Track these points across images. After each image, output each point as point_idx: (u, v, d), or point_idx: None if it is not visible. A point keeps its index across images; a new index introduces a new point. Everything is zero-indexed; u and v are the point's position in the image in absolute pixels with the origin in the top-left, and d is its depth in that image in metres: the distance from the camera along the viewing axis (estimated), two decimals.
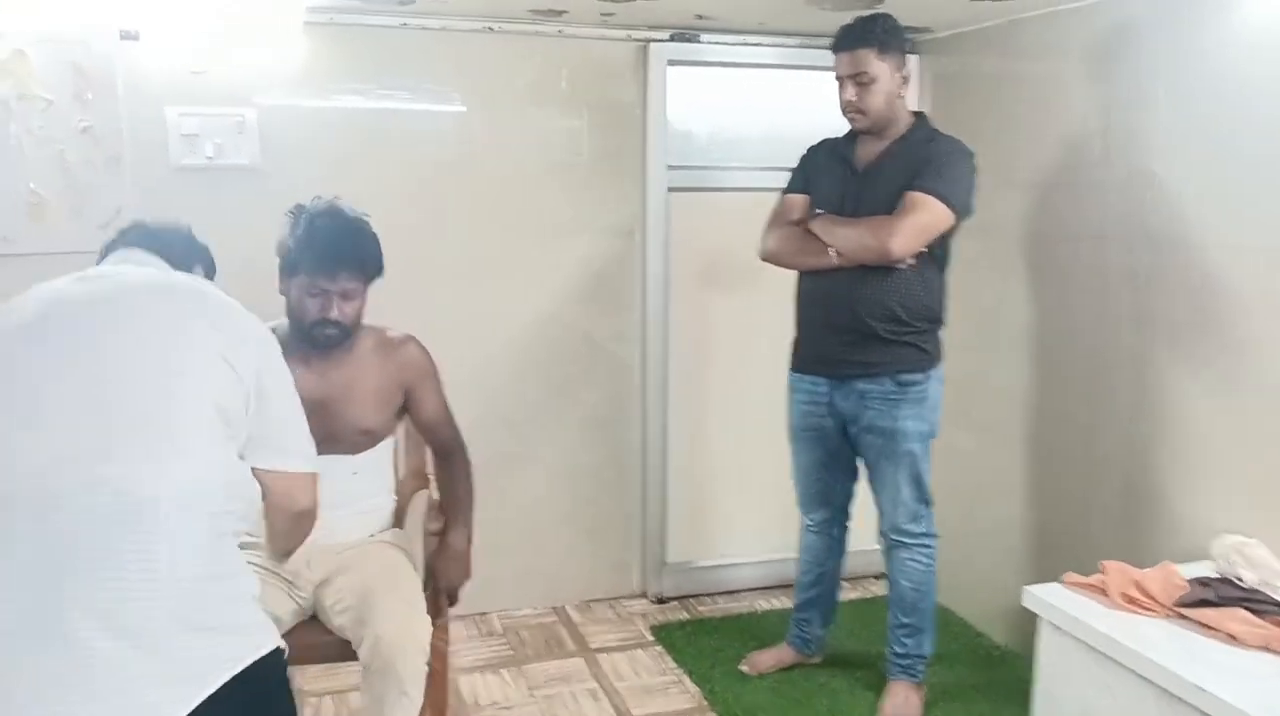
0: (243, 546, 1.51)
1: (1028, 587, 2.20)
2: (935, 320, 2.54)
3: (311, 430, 1.92)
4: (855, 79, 2.42)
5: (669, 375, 3.28)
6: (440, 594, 2.28)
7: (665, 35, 3.13)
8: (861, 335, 2.48)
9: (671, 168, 3.17)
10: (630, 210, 3.21)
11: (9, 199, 2.62)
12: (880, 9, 2.54)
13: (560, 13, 2.87)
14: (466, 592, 3.13)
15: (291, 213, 2.13)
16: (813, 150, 2.66)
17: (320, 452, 1.96)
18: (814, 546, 2.81)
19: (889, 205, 2.41)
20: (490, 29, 2.98)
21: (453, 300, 3.06)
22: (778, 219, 2.61)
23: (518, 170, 3.10)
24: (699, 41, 3.16)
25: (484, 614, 3.26)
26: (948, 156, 2.43)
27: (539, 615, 3.28)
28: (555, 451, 3.28)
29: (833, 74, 2.47)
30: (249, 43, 2.78)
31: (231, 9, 2.72)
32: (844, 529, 2.81)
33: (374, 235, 2.16)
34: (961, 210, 2.41)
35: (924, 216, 2.37)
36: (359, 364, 2.21)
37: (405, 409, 2.32)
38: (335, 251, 2.07)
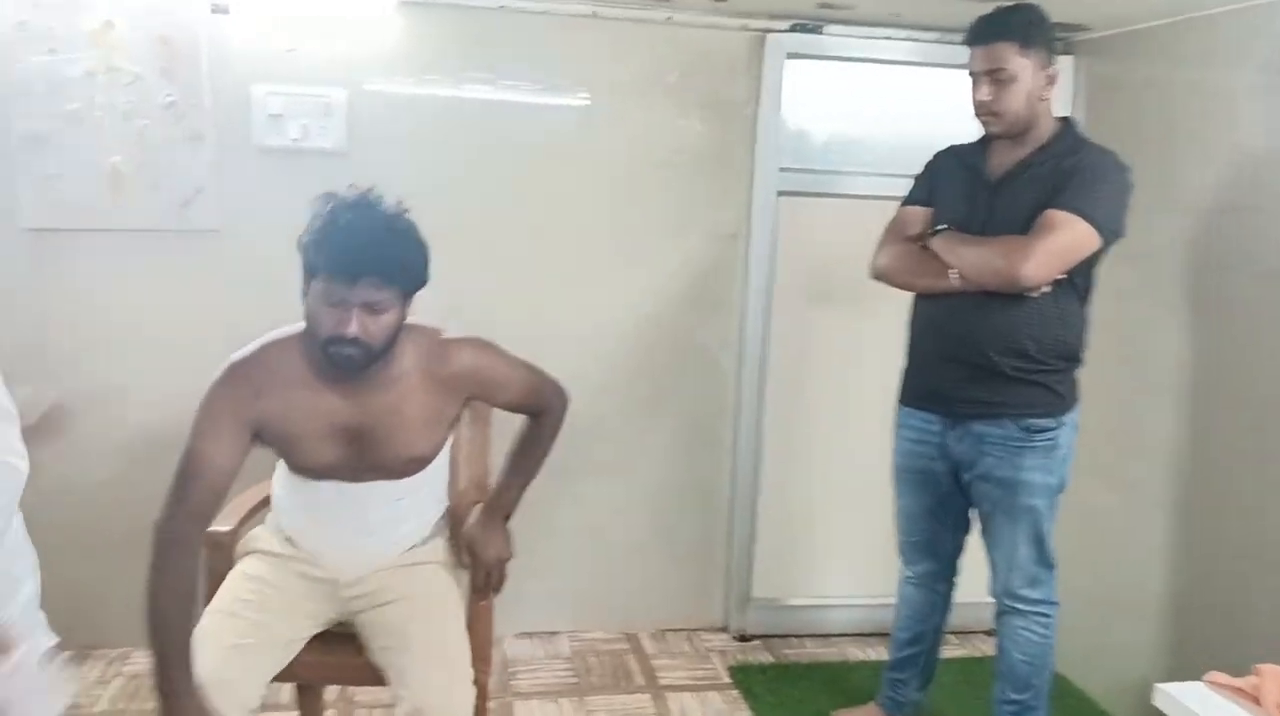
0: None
1: (1161, 686, 1.85)
2: (1072, 358, 2.20)
3: (352, 460, 1.84)
4: (991, 76, 2.11)
5: (765, 394, 3.01)
6: (481, 572, 2.01)
7: (785, 25, 2.86)
8: (983, 370, 2.17)
9: (783, 169, 2.89)
10: (735, 213, 2.95)
11: (90, 171, 2.56)
12: (1029, 0, 2.21)
13: None
14: (537, 606, 3.01)
15: (318, 200, 1.74)
16: (939, 157, 2.35)
17: (362, 480, 1.88)
18: (914, 601, 2.51)
19: (1024, 223, 2.09)
20: (595, 14, 2.77)
21: (543, 299, 2.88)
22: (894, 233, 2.32)
23: (616, 165, 2.88)
24: (823, 33, 2.88)
25: (554, 633, 3.07)
26: (1096, 170, 2.09)
27: (610, 640, 3.06)
28: (639, 465, 3.06)
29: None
30: (342, 21, 2.66)
31: None
32: (950, 585, 2.49)
33: (415, 238, 1.77)
34: (1109, 233, 2.07)
35: (1064, 238, 2.04)
36: (403, 385, 1.83)
37: (460, 417, 2.04)
38: (358, 253, 1.67)
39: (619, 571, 3.10)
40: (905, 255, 2.27)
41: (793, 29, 2.86)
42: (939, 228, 2.23)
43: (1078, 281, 2.15)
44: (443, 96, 2.76)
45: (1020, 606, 2.27)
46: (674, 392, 3.04)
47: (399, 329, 1.77)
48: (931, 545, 2.43)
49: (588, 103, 2.84)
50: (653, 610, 3.14)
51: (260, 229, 2.59)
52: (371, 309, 1.69)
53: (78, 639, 2.74)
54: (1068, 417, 2.20)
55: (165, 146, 2.58)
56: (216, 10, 2.58)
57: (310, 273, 1.72)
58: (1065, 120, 2.22)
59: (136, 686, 2.64)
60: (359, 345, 1.70)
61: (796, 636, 3.12)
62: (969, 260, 2.13)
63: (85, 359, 2.67)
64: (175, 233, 2.64)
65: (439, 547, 2.06)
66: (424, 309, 1.88)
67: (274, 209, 2.35)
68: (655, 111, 2.87)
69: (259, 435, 1.79)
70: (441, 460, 2.04)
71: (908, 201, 2.34)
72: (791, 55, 2.85)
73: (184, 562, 1.70)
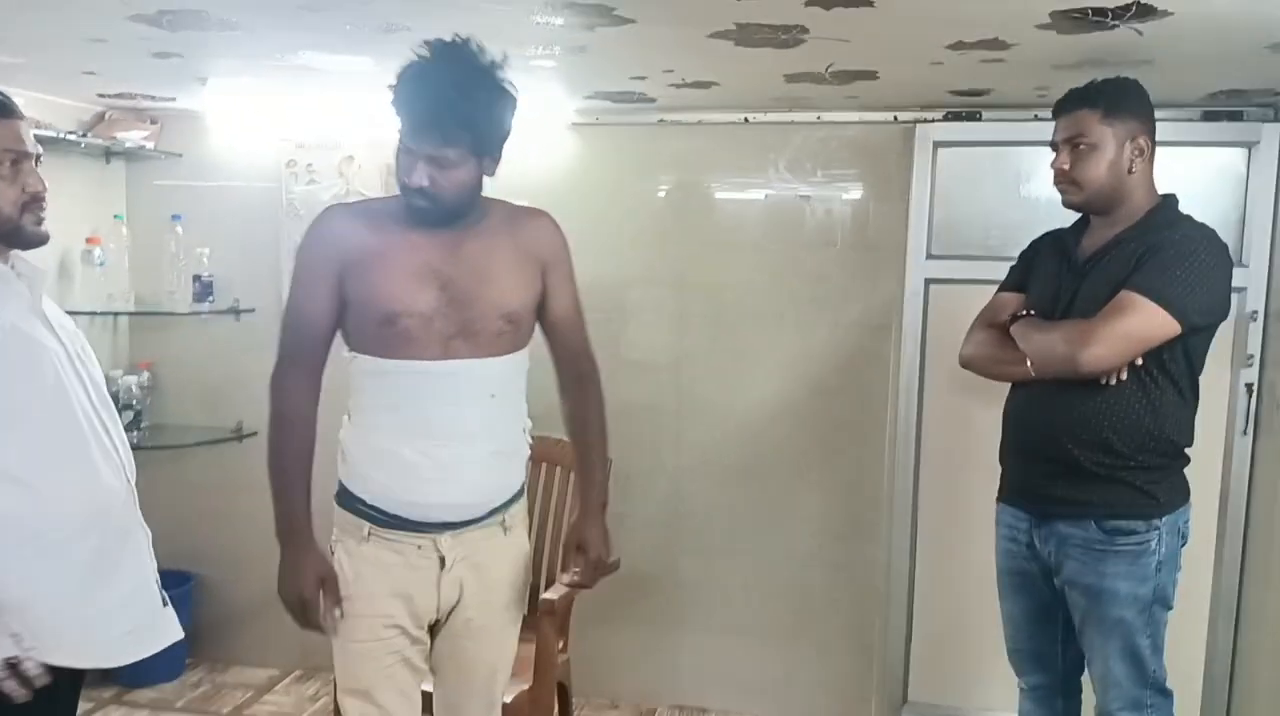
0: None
1: None
2: (1169, 454, 1.99)
3: (441, 309, 1.74)
4: (1070, 143, 2.02)
5: (920, 488, 2.92)
6: (590, 572, 1.96)
7: (937, 115, 2.86)
8: (1063, 465, 2.03)
9: (932, 257, 2.86)
10: (884, 302, 2.96)
11: None
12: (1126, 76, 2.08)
13: (804, 98, 2.78)
14: (691, 681, 3.12)
15: (422, 44, 1.71)
16: (1037, 240, 2.26)
17: (451, 354, 1.76)
18: None
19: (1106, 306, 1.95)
20: (746, 120, 2.98)
21: (691, 380, 3.09)
22: (983, 319, 2.25)
23: (767, 256, 3.04)
24: (975, 119, 2.84)
25: (704, 710, 3.15)
26: (1180, 248, 1.92)
27: None
28: (792, 550, 3.09)
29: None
30: (529, 142, 3.09)
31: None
32: (1072, 703, 2.27)
33: (491, 98, 1.69)
34: (1189, 316, 1.88)
35: (1131, 322, 1.89)
36: (493, 234, 1.81)
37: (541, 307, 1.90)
38: (434, 105, 1.65)
39: (773, 656, 3.13)
40: (988, 343, 2.19)
41: (946, 117, 2.85)
42: (1023, 313, 2.14)
43: (1171, 369, 1.96)
44: (612, 198, 3.11)
45: None
46: (823, 481, 3.06)
47: (474, 187, 1.75)
48: (1040, 656, 2.25)
49: (739, 198, 3.06)
50: (806, 699, 3.11)
51: None
52: (439, 163, 1.68)
53: (305, 661, 3.34)
54: (1163, 521, 1.98)
55: None
56: None
57: (397, 117, 1.73)
58: (1166, 198, 2.05)
59: None
60: (427, 196, 1.70)
61: None
62: (1036, 346, 2.03)
63: None
64: None
65: (521, 514, 1.97)
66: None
67: None
68: (804, 203, 2.99)
69: (345, 277, 1.76)
70: (525, 362, 1.91)
71: (1002, 286, 2.26)
72: (940, 144, 2.84)
73: (297, 411, 1.80)
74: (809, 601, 3.09)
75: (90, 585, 1.70)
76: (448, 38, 1.71)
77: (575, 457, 2.04)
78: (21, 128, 1.69)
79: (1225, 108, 2.68)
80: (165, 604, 1.85)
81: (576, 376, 1.98)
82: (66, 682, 1.79)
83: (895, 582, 2.96)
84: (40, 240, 1.74)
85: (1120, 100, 2.00)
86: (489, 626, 1.93)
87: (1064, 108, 2.05)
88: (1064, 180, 2.04)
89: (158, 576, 1.86)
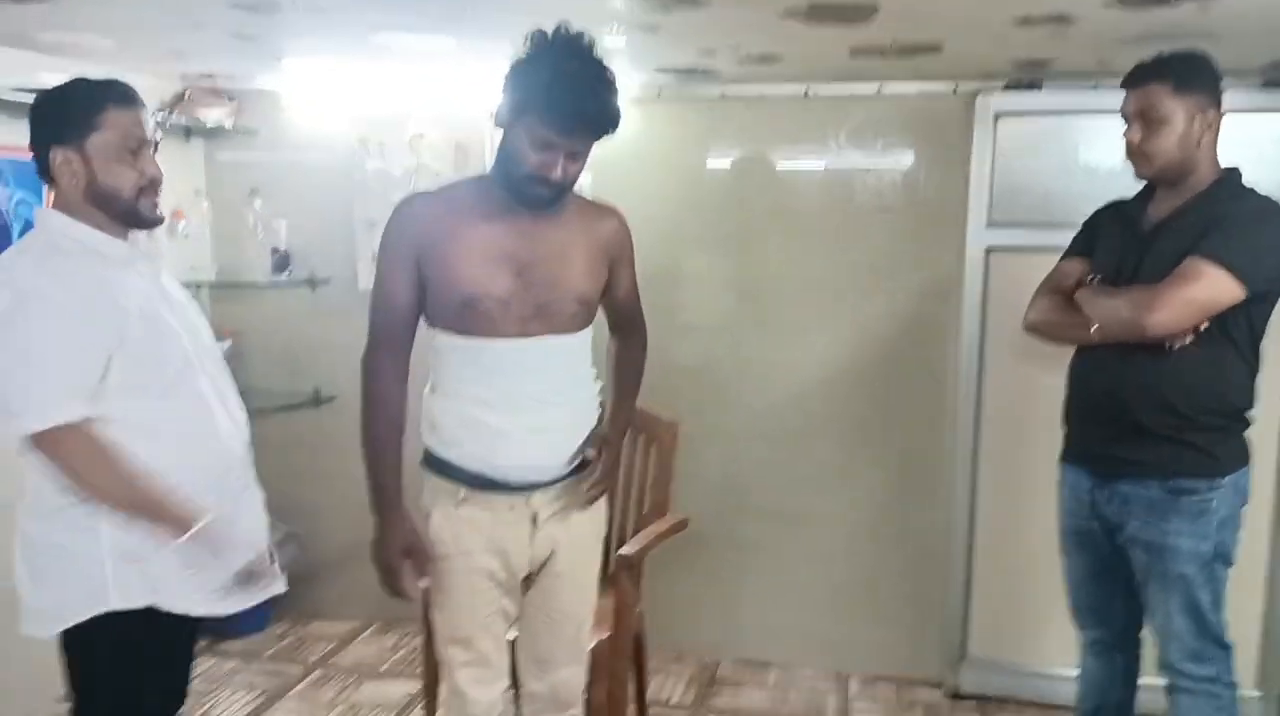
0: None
1: None
2: (1231, 416, 2.06)
3: (519, 293, 1.83)
4: (1143, 117, 2.06)
5: (979, 451, 3.00)
6: (600, 468, 2.04)
7: (997, 84, 2.90)
8: (1128, 427, 2.10)
9: (992, 224, 2.92)
10: (944, 271, 3.02)
11: None
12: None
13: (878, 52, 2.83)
14: (754, 636, 3.24)
15: (532, 39, 1.76)
16: (1101, 209, 2.31)
17: (530, 333, 1.86)
18: (1094, 672, 2.39)
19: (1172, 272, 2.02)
20: (806, 93, 3.04)
21: (752, 346, 3.19)
22: (1047, 285, 2.31)
23: (827, 224, 3.11)
24: (1036, 89, 2.88)
25: (765, 664, 3.27)
26: (1247, 216, 1.98)
27: (817, 678, 3.20)
28: (854, 511, 3.20)
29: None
30: None
31: None
32: (1132, 657, 2.35)
33: (616, 87, 1.79)
34: (1255, 282, 1.94)
35: (1197, 288, 1.95)
36: (567, 224, 1.90)
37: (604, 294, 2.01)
38: (581, 105, 1.73)
39: (833, 613, 3.24)
40: (1052, 309, 2.25)
41: (1007, 87, 2.90)
42: (1089, 279, 2.20)
43: (1235, 334, 2.02)
44: (673, 170, 3.20)
45: (1184, 682, 2.12)
46: (882, 444, 3.15)
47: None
48: (1101, 612, 2.33)
49: (798, 167, 3.13)
50: (866, 655, 3.22)
51: None
52: (574, 156, 1.79)
53: (385, 614, 3.50)
54: (1223, 480, 2.04)
55: None
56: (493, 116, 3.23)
57: (519, 110, 1.76)
58: (1230, 170, 2.10)
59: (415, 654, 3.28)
60: (556, 187, 1.80)
61: (1016, 702, 3.03)
62: (1102, 311, 2.09)
63: None
64: None
65: (597, 538, 2.12)
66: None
67: None
68: (864, 173, 3.06)
69: (423, 260, 1.83)
70: (590, 336, 2.01)
71: (1066, 254, 2.32)
72: (1001, 114, 2.89)
73: (388, 391, 1.88)
74: (868, 559, 3.19)
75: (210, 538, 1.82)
76: (559, 30, 1.75)
77: (614, 389, 2.11)
78: (143, 115, 1.80)
79: None
80: (273, 559, 1.99)
81: (631, 331, 2.13)
82: (185, 631, 1.94)
83: (955, 541, 3.05)
84: (155, 222, 1.86)
85: (1192, 75, 2.03)
86: (578, 578, 2.06)
87: (1135, 81, 2.08)
88: (1135, 153, 2.09)
89: (268, 532, 2.00)
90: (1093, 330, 2.11)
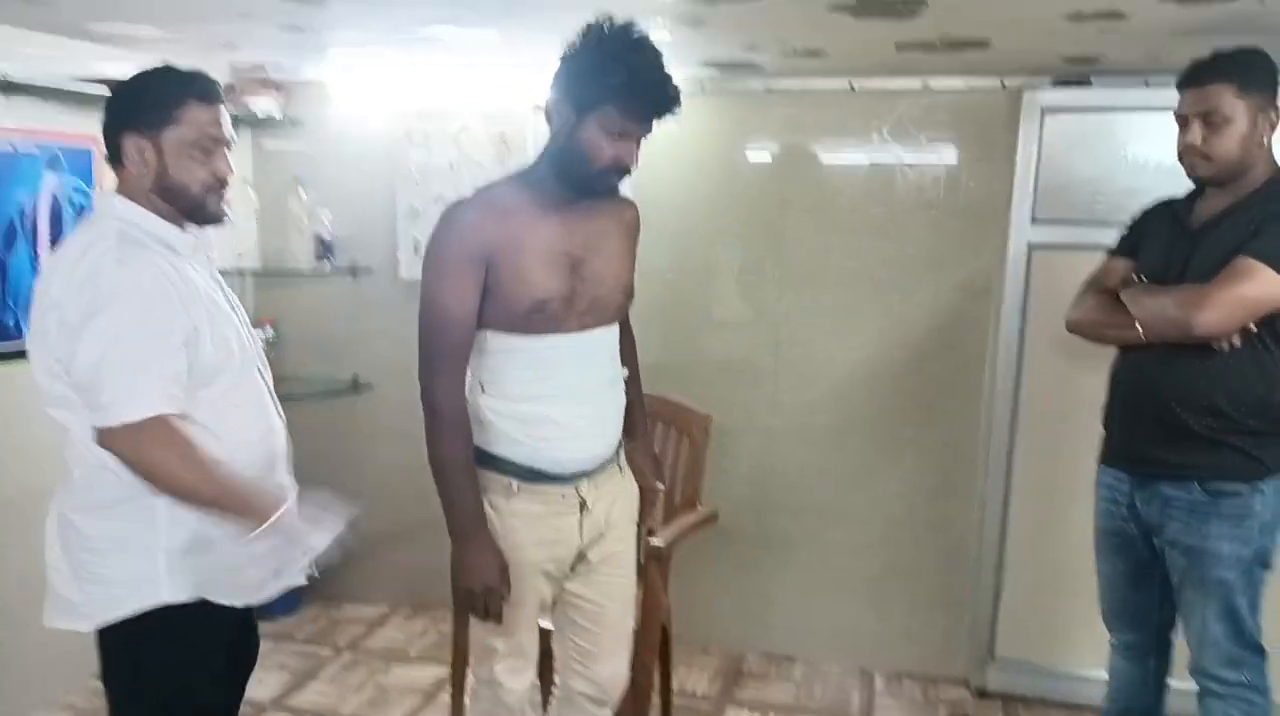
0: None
1: None
2: (1276, 419, 2.03)
3: (573, 290, 1.86)
4: (1204, 118, 2.02)
5: (1015, 451, 2.98)
6: (644, 499, 2.13)
7: (1044, 80, 2.88)
8: (1171, 428, 2.08)
9: (1036, 221, 2.89)
10: (985, 267, 3.01)
11: None
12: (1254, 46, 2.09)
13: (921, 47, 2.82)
14: (780, 630, 3.24)
15: (590, 32, 1.76)
16: (1148, 208, 2.29)
17: (584, 328, 1.90)
18: (1123, 674, 2.38)
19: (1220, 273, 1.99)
20: (851, 88, 3.03)
21: (789, 340, 3.18)
22: (1092, 284, 2.29)
23: (868, 219, 3.10)
24: (1085, 85, 2.85)
25: (790, 658, 3.28)
26: None
27: (843, 673, 3.20)
28: (884, 507, 3.19)
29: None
30: None
31: None
32: (1162, 661, 2.34)
33: None
34: None
35: (1246, 287, 1.93)
36: (603, 215, 1.93)
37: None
38: (662, 92, 1.75)
39: (861, 609, 3.24)
40: (1096, 307, 2.23)
41: (1055, 83, 2.87)
42: (1135, 278, 2.18)
43: None
44: (717, 163, 3.21)
45: (1216, 687, 2.10)
46: (917, 441, 3.14)
47: None
48: (1134, 614, 2.31)
49: (839, 161, 3.13)
50: (893, 652, 3.22)
51: None
52: (639, 143, 1.81)
53: (414, 599, 3.54)
54: (1266, 484, 2.02)
55: None
56: (539, 110, 3.24)
57: (590, 103, 1.75)
58: None
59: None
60: (621, 174, 1.83)
61: (1042, 702, 3.01)
62: (1148, 310, 2.07)
63: None
64: None
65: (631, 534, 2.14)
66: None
67: None
68: (907, 167, 3.05)
69: (489, 268, 1.81)
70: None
71: (1111, 252, 2.30)
72: (1049, 109, 2.86)
73: (457, 413, 1.85)
74: (899, 557, 3.18)
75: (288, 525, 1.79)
76: (612, 22, 1.76)
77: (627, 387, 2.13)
78: (222, 113, 1.76)
79: None
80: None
81: (627, 318, 2.11)
82: (230, 621, 1.90)
83: (987, 541, 3.03)
84: (219, 219, 1.82)
85: (1255, 74, 2.00)
86: (626, 558, 2.10)
87: (1194, 80, 2.04)
88: (1195, 154, 2.05)
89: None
90: (1139, 330, 2.09)
